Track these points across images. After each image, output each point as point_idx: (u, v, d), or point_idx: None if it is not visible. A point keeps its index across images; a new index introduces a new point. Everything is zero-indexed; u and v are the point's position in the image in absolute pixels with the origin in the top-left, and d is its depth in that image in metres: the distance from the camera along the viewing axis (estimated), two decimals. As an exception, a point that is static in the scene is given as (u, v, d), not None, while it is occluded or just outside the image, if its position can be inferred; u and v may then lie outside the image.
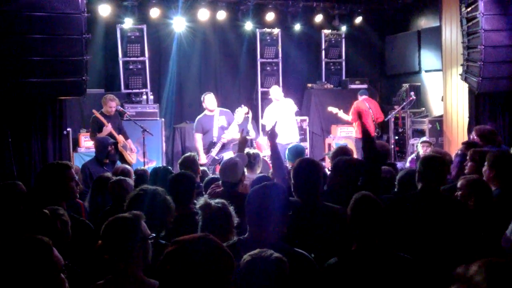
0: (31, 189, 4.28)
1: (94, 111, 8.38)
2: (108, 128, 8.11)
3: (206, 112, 8.52)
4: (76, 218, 3.53)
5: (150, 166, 8.67)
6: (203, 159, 8.22)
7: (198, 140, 8.42)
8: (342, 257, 2.93)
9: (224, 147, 8.25)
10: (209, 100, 8.45)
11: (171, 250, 1.91)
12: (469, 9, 8.28)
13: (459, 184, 4.02)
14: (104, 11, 10.04)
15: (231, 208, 3.33)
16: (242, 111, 8.26)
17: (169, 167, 5.08)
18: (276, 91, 9.60)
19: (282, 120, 9.26)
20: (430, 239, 3.51)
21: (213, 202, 3.21)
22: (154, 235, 2.75)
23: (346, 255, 2.95)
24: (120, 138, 8.35)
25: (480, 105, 8.74)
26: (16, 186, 3.98)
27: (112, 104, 8.48)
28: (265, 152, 9.44)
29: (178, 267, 1.85)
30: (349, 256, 2.94)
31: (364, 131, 4.45)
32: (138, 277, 2.58)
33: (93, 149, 7.71)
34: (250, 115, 9.08)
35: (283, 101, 9.51)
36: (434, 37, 10.83)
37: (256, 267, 2.23)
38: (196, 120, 8.65)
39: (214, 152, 8.21)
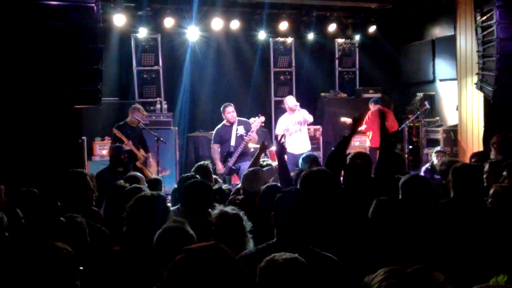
0: (46, 196, 4.29)
1: (114, 130, 8.41)
2: (128, 145, 8.10)
3: (225, 122, 8.52)
4: (92, 225, 3.55)
5: (164, 174, 8.70)
6: (220, 168, 8.23)
7: (216, 150, 8.42)
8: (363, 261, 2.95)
9: (242, 157, 8.23)
10: (229, 112, 8.44)
11: (180, 258, 1.91)
12: (484, 17, 8.23)
13: (491, 191, 3.97)
14: (119, 21, 10.11)
15: (242, 213, 3.35)
16: (259, 120, 8.27)
17: (197, 175, 5.00)
18: (290, 101, 9.53)
19: (294, 130, 9.28)
20: (462, 248, 3.48)
21: (229, 209, 3.25)
22: None
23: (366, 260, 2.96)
24: (140, 153, 8.38)
25: (496, 114, 8.66)
26: (31, 193, 4.00)
27: (137, 115, 8.51)
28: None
29: (186, 276, 1.84)
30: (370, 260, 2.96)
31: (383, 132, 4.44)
32: None
33: (107, 158, 7.76)
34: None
35: (297, 111, 9.41)
36: (448, 46, 10.78)
37: (273, 272, 2.23)
38: (215, 130, 8.63)
39: (231, 161, 8.21)
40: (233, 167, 8.20)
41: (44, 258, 2.06)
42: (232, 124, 8.42)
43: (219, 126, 8.59)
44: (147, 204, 3.34)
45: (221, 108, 8.63)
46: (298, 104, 9.39)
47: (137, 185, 4.39)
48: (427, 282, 1.47)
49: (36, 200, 4.00)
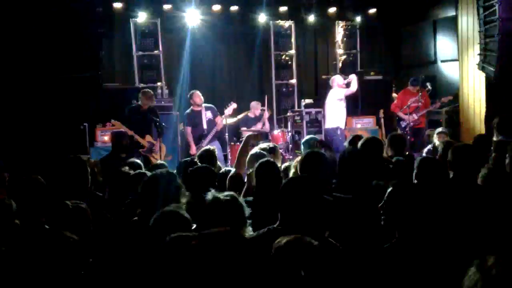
0: (49, 182, 4.30)
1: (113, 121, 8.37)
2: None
3: (193, 107, 9.31)
4: (98, 212, 3.55)
5: (165, 159, 8.68)
6: (193, 150, 9.02)
7: (189, 133, 9.24)
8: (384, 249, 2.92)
9: (213, 138, 9.14)
10: (197, 96, 9.25)
11: (195, 244, 1.91)
12: (486, -3, 8.18)
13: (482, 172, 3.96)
14: (118, 5, 10.05)
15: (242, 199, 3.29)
16: (231, 107, 9.22)
17: (197, 161, 5.00)
18: (339, 79, 10.04)
19: (343, 106, 9.91)
20: (461, 228, 3.48)
21: (221, 195, 3.17)
22: None
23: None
24: (145, 141, 8.30)
25: (498, 94, 8.64)
26: (36, 180, 4.01)
27: (143, 101, 8.35)
28: (280, 145, 9.45)
29: (202, 261, 1.84)
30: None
31: None
32: None
33: (109, 144, 7.75)
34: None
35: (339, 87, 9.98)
36: (450, 26, 10.74)
37: (293, 252, 2.25)
38: (185, 114, 9.39)
39: (205, 142, 8.95)
40: (207, 147, 8.49)
41: (53, 247, 2.06)
42: (200, 109, 9.23)
43: (188, 111, 9.40)
44: (160, 182, 3.35)
45: (189, 94, 9.43)
46: (346, 81, 10.02)
47: (141, 171, 4.39)
48: None
49: (39, 187, 4.01)
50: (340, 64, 12.25)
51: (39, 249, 2.04)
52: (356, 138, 5.63)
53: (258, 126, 10.11)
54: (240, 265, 1.84)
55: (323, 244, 2.48)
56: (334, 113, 9.88)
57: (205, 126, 9.21)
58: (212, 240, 1.88)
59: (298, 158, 4.54)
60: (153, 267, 2.50)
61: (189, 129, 9.26)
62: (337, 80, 10.05)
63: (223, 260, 1.83)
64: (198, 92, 9.37)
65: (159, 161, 6.10)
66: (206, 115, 9.28)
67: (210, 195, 3.17)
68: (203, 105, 9.36)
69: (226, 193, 3.21)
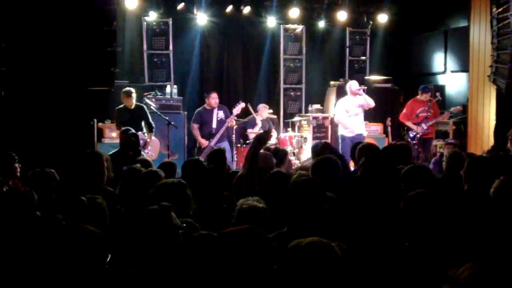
0: (62, 176, 4.30)
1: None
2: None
3: (206, 106, 9.41)
4: (113, 206, 3.55)
5: (172, 158, 8.69)
6: (203, 143, 9.13)
7: (195, 128, 9.31)
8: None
9: (221, 138, 9.17)
10: (213, 99, 9.28)
11: (216, 242, 1.91)
12: (500, 9, 8.17)
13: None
14: (131, 3, 10.07)
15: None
16: (239, 106, 9.22)
17: (201, 159, 5.04)
18: (354, 85, 9.60)
19: (355, 113, 9.47)
20: (474, 239, 3.46)
21: (256, 202, 3.18)
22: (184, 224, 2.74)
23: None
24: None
25: (508, 107, 8.62)
26: (48, 174, 4.01)
27: (127, 101, 8.40)
28: (288, 149, 9.44)
29: (224, 259, 1.84)
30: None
31: None
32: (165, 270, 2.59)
33: (117, 140, 7.77)
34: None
35: (358, 95, 9.54)
36: (461, 37, 10.72)
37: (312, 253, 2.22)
38: (196, 111, 9.46)
39: (213, 142, 9.08)
40: (214, 147, 8.52)
41: (77, 240, 2.05)
42: (213, 108, 9.27)
43: (200, 108, 9.47)
44: (168, 191, 3.30)
45: (205, 94, 9.55)
46: (361, 88, 9.70)
47: (153, 169, 4.39)
48: None
49: (52, 180, 4.03)
50: (348, 70, 12.24)
51: (62, 242, 2.03)
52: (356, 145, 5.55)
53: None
54: (262, 262, 1.83)
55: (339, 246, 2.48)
56: (342, 121, 9.58)
57: (214, 126, 9.23)
58: (234, 238, 1.87)
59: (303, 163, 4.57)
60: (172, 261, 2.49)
61: (195, 125, 9.29)
62: (350, 85, 9.64)
63: (245, 257, 1.82)
64: (215, 94, 9.39)
65: (166, 160, 6.08)
66: (218, 115, 9.31)
67: (245, 202, 3.18)
68: (217, 104, 9.39)
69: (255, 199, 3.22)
